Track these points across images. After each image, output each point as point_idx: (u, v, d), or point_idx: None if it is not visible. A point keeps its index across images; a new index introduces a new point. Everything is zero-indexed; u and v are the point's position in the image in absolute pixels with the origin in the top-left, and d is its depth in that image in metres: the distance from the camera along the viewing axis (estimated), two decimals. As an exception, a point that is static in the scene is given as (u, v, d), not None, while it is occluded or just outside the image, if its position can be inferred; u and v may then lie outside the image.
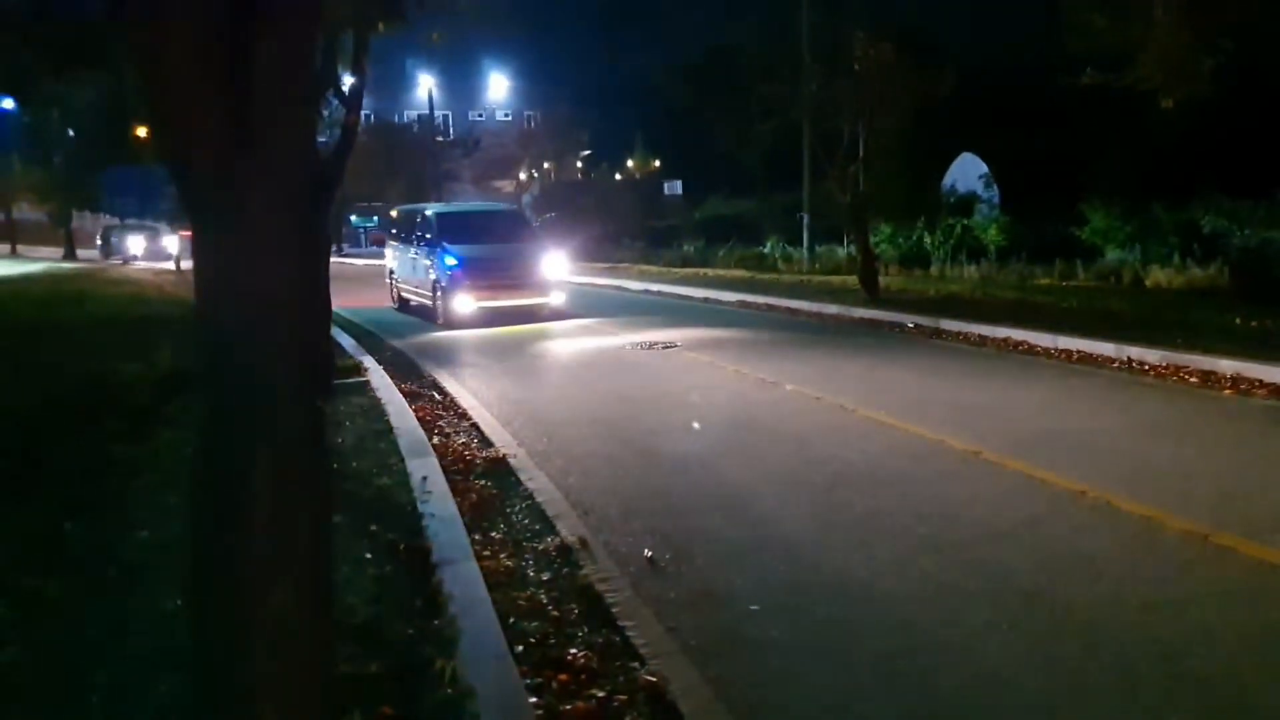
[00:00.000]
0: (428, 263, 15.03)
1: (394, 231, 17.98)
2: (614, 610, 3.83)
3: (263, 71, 1.80)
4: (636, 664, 3.40)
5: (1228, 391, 7.73)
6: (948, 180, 24.72)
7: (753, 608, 3.88)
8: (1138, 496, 5.02)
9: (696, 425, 7.25)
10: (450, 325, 13.99)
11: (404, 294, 16.71)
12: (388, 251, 18.05)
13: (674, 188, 41.91)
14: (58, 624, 3.56)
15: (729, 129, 27.96)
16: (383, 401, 7.81)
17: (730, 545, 4.62)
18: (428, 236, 15.30)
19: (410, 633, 3.49)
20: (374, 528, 4.57)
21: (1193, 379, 8.22)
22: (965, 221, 20.98)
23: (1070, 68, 14.24)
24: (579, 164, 45.41)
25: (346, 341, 11.75)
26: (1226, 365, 8.26)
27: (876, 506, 5.13)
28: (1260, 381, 7.83)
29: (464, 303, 14.01)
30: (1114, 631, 3.56)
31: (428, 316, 15.04)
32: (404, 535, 4.50)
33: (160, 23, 1.80)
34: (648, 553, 4.51)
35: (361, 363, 9.95)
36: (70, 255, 36.73)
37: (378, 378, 9.08)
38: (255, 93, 1.80)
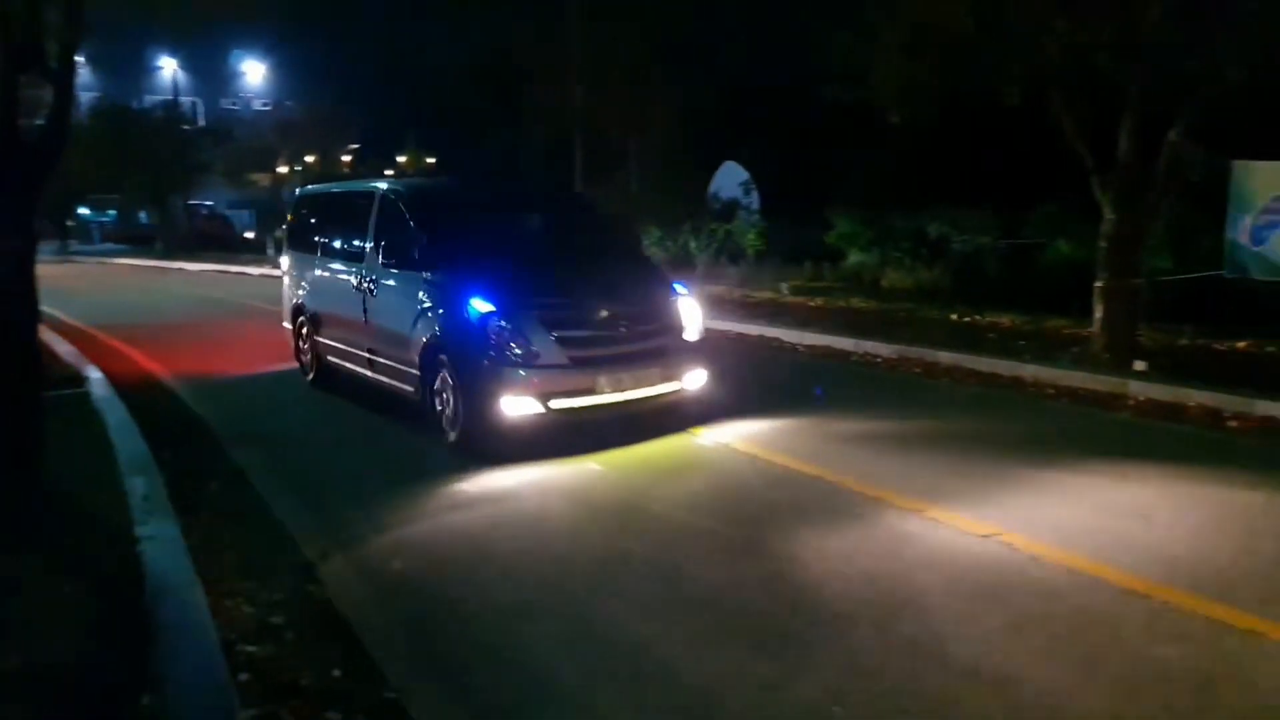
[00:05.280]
0: (413, 305, 6.76)
1: (301, 235, 9.16)
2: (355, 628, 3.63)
3: None
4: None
5: (945, 380, 8.66)
6: (713, 186, 25.97)
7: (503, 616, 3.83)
8: (868, 480, 5.45)
9: None
10: (478, 450, 6.17)
11: (334, 359, 8.23)
12: (288, 267, 9.45)
13: (448, 186, 40.83)
14: None
15: (506, 130, 27.76)
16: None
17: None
18: (406, 249, 6.97)
19: (117, 673, 3.12)
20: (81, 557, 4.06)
21: (917, 370, 9.13)
22: (727, 227, 22.12)
23: (819, 82, 15.39)
24: (345, 158, 43.23)
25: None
26: (944, 357, 9.25)
27: (628, 502, 5.26)
28: (973, 371, 8.83)
29: (520, 403, 6.13)
30: (839, 605, 3.85)
31: (419, 423, 6.71)
32: (118, 564, 4.03)
33: None
34: (398, 565, 4.32)
35: None
36: None
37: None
38: None
